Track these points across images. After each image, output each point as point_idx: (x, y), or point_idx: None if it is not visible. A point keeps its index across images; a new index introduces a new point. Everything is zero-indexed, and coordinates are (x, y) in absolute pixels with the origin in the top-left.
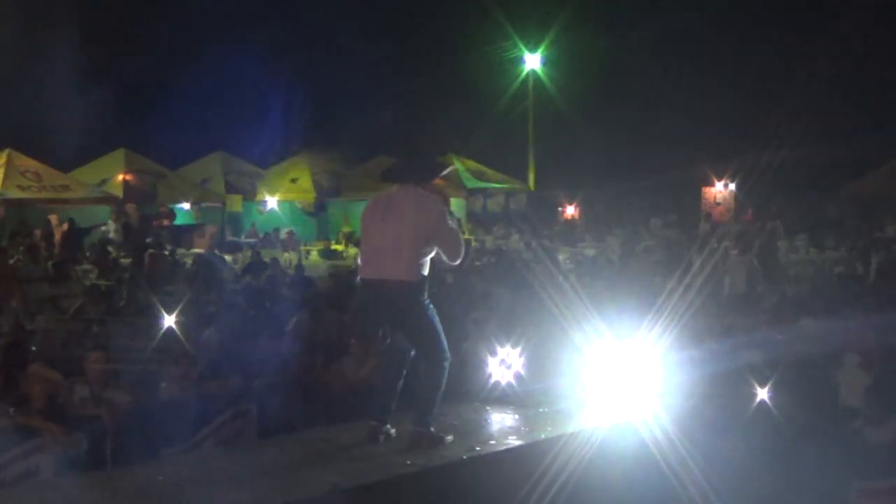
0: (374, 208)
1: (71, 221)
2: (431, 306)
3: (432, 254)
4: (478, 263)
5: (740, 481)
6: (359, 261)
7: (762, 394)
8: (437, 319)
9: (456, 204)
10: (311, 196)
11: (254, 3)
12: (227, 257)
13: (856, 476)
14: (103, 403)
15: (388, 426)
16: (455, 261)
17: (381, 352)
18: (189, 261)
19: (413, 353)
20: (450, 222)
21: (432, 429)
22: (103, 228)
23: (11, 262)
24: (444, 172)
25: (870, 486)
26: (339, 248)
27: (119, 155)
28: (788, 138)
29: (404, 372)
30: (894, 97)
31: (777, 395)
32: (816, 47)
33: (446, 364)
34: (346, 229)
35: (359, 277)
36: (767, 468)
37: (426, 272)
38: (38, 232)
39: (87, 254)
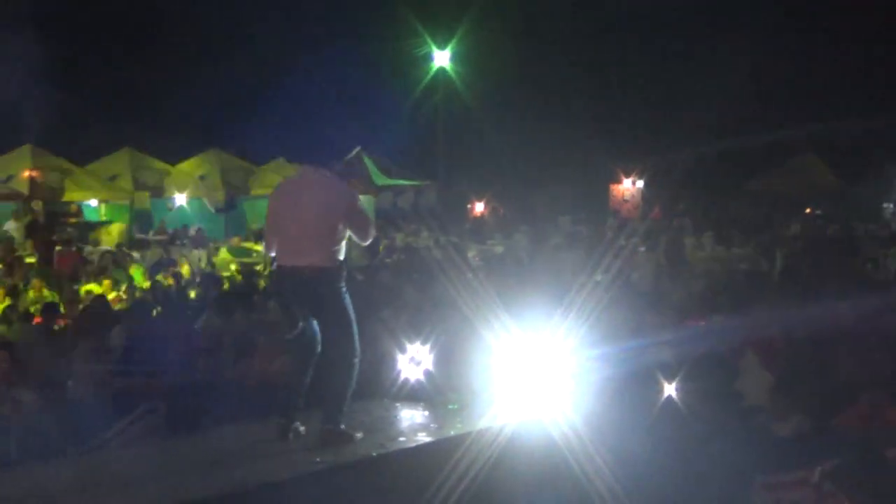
0: (284, 195)
1: None
2: (348, 296)
3: (346, 237)
4: (387, 260)
5: (647, 477)
6: (266, 248)
7: (669, 390)
8: (351, 311)
9: (365, 201)
10: (220, 193)
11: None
12: (136, 254)
13: (760, 470)
14: (8, 402)
15: (298, 423)
16: (366, 241)
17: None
18: (96, 258)
19: (319, 349)
20: (360, 204)
21: (342, 426)
22: (5, 227)
23: None
24: (350, 155)
25: (772, 479)
26: (249, 245)
27: (25, 151)
28: (694, 136)
29: (310, 369)
30: (796, 96)
31: (683, 391)
32: (720, 47)
33: (356, 361)
34: (255, 226)
35: (275, 265)
36: (674, 464)
37: (342, 257)
38: None
39: None
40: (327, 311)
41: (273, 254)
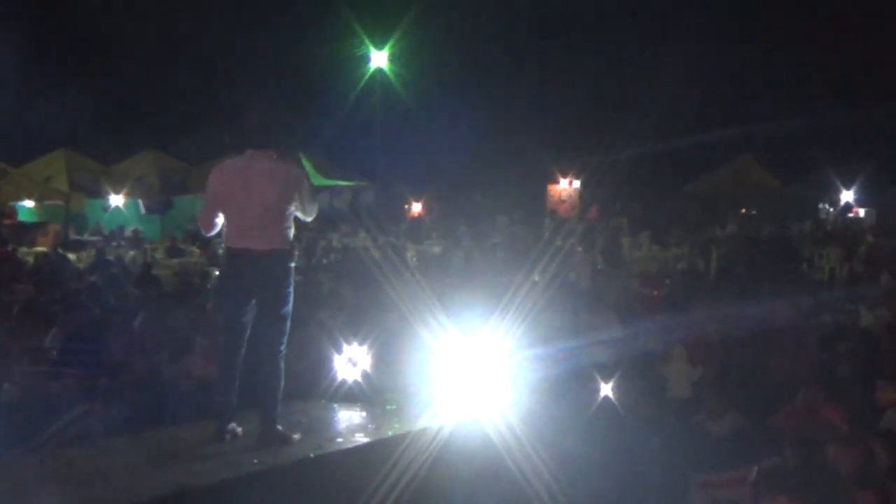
0: (231, 177)
1: None
2: (292, 283)
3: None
4: (325, 261)
5: (585, 476)
6: (206, 228)
7: (606, 389)
8: (292, 300)
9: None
10: (157, 194)
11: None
12: (71, 256)
13: (697, 468)
14: None
15: (234, 424)
16: (311, 217)
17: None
18: (31, 259)
19: (244, 348)
20: (308, 181)
21: (279, 427)
22: None
23: None
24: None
25: (710, 477)
26: (185, 246)
27: None
28: (631, 137)
29: (238, 369)
30: (735, 97)
31: (620, 390)
32: (659, 48)
33: (282, 356)
34: (192, 227)
35: (224, 247)
36: (611, 463)
37: (292, 236)
38: None
39: None
40: (275, 294)
41: (211, 233)
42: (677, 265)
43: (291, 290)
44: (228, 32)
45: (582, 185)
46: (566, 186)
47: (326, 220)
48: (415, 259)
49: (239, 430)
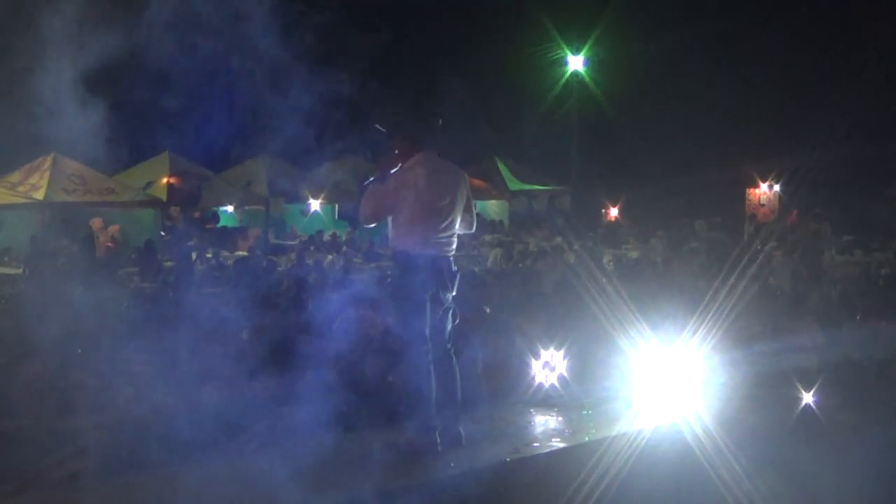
0: (429, 180)
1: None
2: None
3: None
4: (521, 265)
5: (785, 484)
6: (377, 212)
7: (807, 397)
8: None
9: (499, 205)
10: (354, 198)
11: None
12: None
13: None
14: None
15: (434, 427)
16: (471, 230)
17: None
18: (231, 263)
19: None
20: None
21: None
22: (163, 234)
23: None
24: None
25: None
26: (382, 250)
27: (163, 158)
28: (833, 139)
29: (432, 369)
30: None
31: (823, 397)
32: (861, 45)
33: None
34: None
35: (411, 254)
36: (813, 472)
37: None
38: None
39: (132, 255)
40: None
41: (370, 225)
42: (881, 270)
43: None
44: (423, 37)
45: (781, 188)
46: (766, 190)
47: (522, 225)
48: (611, 264)
49: (438, 433)
